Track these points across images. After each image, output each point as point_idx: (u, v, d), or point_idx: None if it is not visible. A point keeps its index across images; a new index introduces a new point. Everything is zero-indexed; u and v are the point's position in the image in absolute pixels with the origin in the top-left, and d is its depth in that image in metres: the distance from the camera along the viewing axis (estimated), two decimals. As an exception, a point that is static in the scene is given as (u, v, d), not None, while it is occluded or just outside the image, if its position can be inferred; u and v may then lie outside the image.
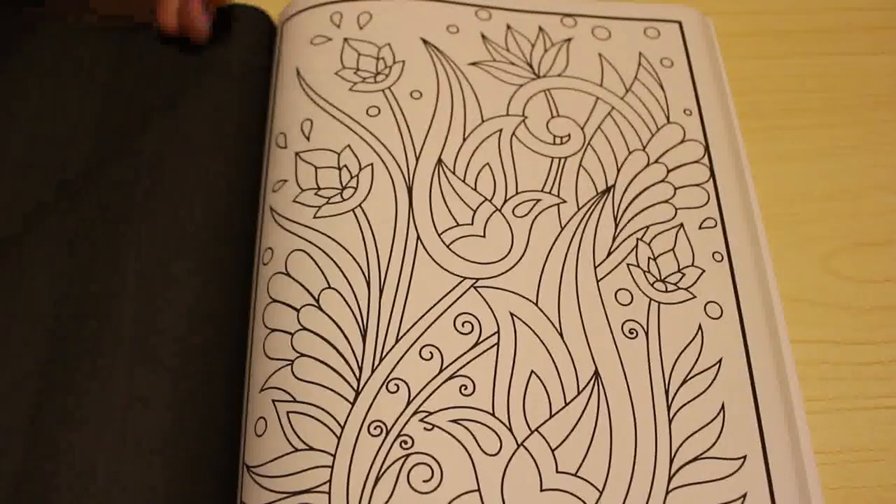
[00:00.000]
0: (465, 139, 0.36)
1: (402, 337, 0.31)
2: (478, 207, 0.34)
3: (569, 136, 0.36)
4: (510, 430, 0.30)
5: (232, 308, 0.33)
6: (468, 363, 0.31)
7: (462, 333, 0.32)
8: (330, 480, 0.29)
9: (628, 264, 0.33)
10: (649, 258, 0.33)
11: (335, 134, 0.36)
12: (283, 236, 0.33)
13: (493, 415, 0.30)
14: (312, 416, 0.30)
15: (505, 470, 0.29)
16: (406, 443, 0.30)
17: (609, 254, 0.33)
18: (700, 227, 0.34)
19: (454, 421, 0.30)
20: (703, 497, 0.29)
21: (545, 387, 0.31)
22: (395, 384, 0.30)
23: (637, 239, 0.34)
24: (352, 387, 0.30)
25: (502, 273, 0.33)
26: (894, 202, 0.38)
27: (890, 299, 0.35)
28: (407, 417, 0.30)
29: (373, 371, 0.31)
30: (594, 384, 0.31)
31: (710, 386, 0.31)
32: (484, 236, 0.34)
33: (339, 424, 0.30)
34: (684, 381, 0.31)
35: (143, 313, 0.31)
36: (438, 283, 0.33)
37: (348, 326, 0.31)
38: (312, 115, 0.36)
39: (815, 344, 0.34)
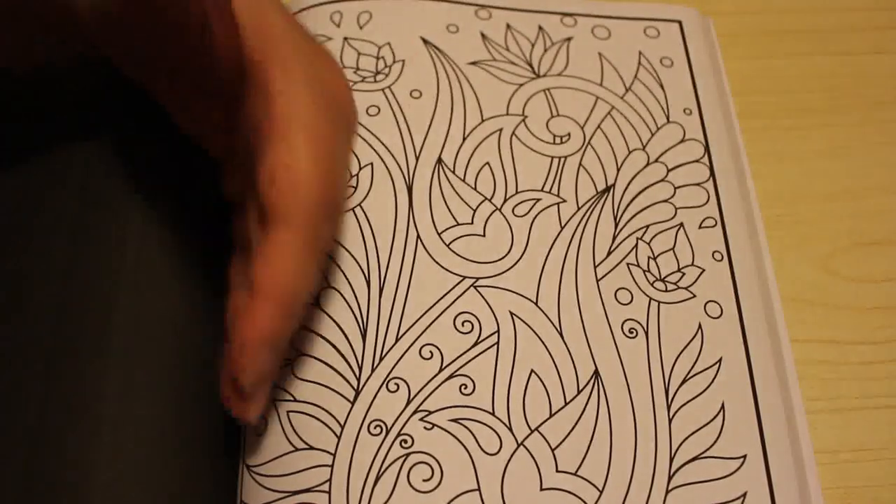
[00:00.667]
0: (464, 138, 0.36)
1: (401, 336, 0.31)
2: (478, 207, 0.34)
3: (569, 135, 0.36)
4: (510, 429, 0.30)
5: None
6: (468, 362, 0.31)
7: (462, 333, 0.32)
8: (330, 479, 0.29)
9: (628, 263, 0.33)
10: (649, 257, 0.33)
11: None
12: None
13: (492, 414, 0.30)
14: (312, 416, 0.30)
15: (505, 469, 0.29)
16: (406, 442, 0.30)
17: (609, 253, 0.33)
18: (700, 227, 0.34)
19: (454, 420, 0.30)
20: (702, 496, 0.29)
21: (545, 386, 0.31)
22: (395, 383, 0.30)
23: (637, 238, 0.34)
24: (352, 386, 0.30)
25: (502, 272, 0.33)
26: (894, 202, 0.38)
27: (890, 299, 0.35)
28: (407, 417, 0.30)
29: (373, 370, 0.31)
30: (594, 383, 0.31)
31: (709, 385, 0.31)
32: (484, 235, 0.34)
33: (339, 424, 0.30)
34: (684, 381, 0.31)
35: (141, 311, 0.31)
36: (438, 282, 0.33)
37: (348, 325, 0.31)
38: None
39: (815, 344, 0.34)
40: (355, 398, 0.30)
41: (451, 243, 0.33)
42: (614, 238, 0.34)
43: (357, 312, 0.32)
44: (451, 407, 0.30)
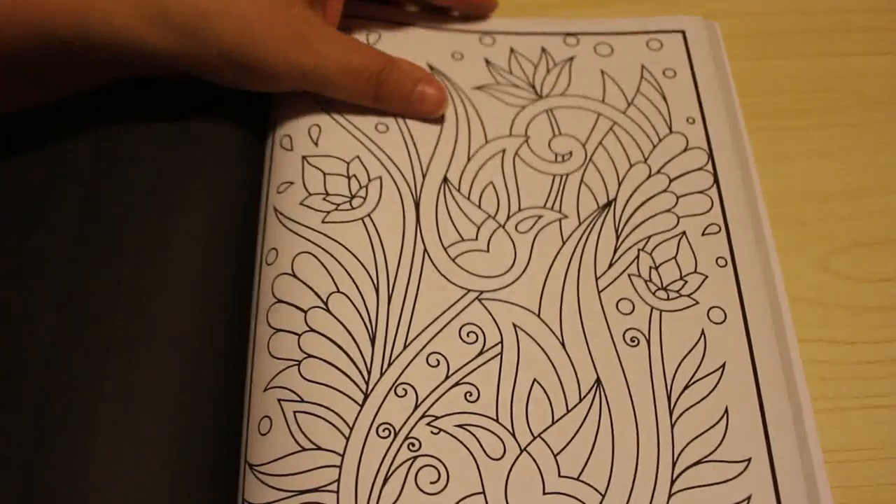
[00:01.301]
0: (469, 159, 0.37)
1: (409, 344, 0.32)
2: (482, 224, 0.35)
3: (570, 153, 0.37)
4: (513, 435, 0.31)
5: (230, 305, 0.33)
6: (473, 371, 0.32)
7: (467, 343, 0.32)
8: (338, 480, 0.29)
9: (629, 274, 0.34)
10: (651, 267, 0.34)
11: (345, 143, 0.36)
12: (289, 238, 0.34)
13: (496, 421, 0.31)
14: (321, 417, 0.30)
15: (509, 473, 0.30)
16: (414, 445, 0.30)
17: (610, 265, 0.34)
18: (703, 234, 0.35)
19: (460, 426, 0.31)
20: (706, 499, 0.29)
21: (547, 394, 0.31)
22: (403, 389, 0.31)
23: (638, 249, 0.34)
24: (361, 389, 0.31)
25: (506, 286, 0.34)
26: (894, 202, 0.38)
27: (890, 299, 0.36)
28: (415, 421, 0.31)
29: (381, 375, 0.31)
30: (596, 391, 0.32)
31: (713, 390, 0.31)
32: (488, 251, 0.35)
33: (348, 425, 0.30)
34: (687, 386, 0.31)
35: (140, 310, 0.32)
36: (444, 294, 0.33)
37: (357, 331, 0.32)
38: (320, 122, 0.37)
39: (815, 344, 0.34)
40: (364, 401, 0.31)
41: (456, 258, 0.34)
42: (616, 250, 0.35)
43: (366, 318, 0.32)
44: (456, 413, 0.31)
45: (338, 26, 0.38)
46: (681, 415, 0.31)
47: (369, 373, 0.31)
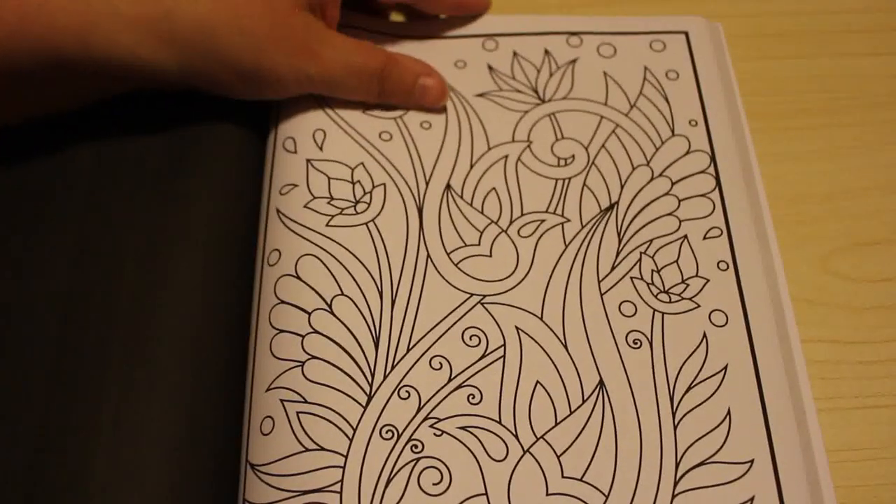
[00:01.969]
0: (472, 166, 0.37)
1: (412, 347, 0.32)
2: (484, 229, 0.36)
3: (573, 157, 0.37)
4: (516, 437, 0.31)
5: (231, 305, 0.34)
6: (476, 374, 0.32)
7: (470, 346, 0.33)
8: (341, 480, 0.29)
9: (632, 277, 0.34)
10: (653, 270, 0.34)
11: (349, 149, 0.37)
12: (292, 240, 0.34)
13: (499, 423, 0.31)
14: (324, 418, 0.31)
15: (511, 475, 0.30)
16: (416, 447, 0.30)
17: (613, 268, 0.34)
18: (704, 238, 0.35)
19: (462, 428, 0.31)
20: (709, 500, 0.29)
21: (550, 396, 0.32)
22: (407, 391, 0.31)
23: (641, 252, 0.35)
24: (364, 391, 0.31)
25: (508, 290, 0.34)
26: (894, 202, 0.38)
27: (890, 299, 0.36)
28: (418, 423, 0.31)
29: (385, 377, 0.32)
30: (599, 393, 0.32)
31: (715, 392, 0.31)
32: (490, 256, 0.35)
33: (352, 427, 0.30)
34: (689, 388, 0.32)
35: (142, 312, 0.32)
36: (447, 298, 0.34)
37: (361, 333, 0.32)
38: (325, 127, 0.37)
39: (814, 344, 0.34)
40: (368, 403, 0.31)
41: (459, 263, 0.35)
42: (618, 253, 0.35)
43: (370, 321, 0.33)
44: (459, 415, 0.31)
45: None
46: (683, 416, 0.31)
47: (373, 375, 0.32)
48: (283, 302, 0.33)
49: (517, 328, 0.33)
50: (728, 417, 0.31)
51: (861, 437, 0.33)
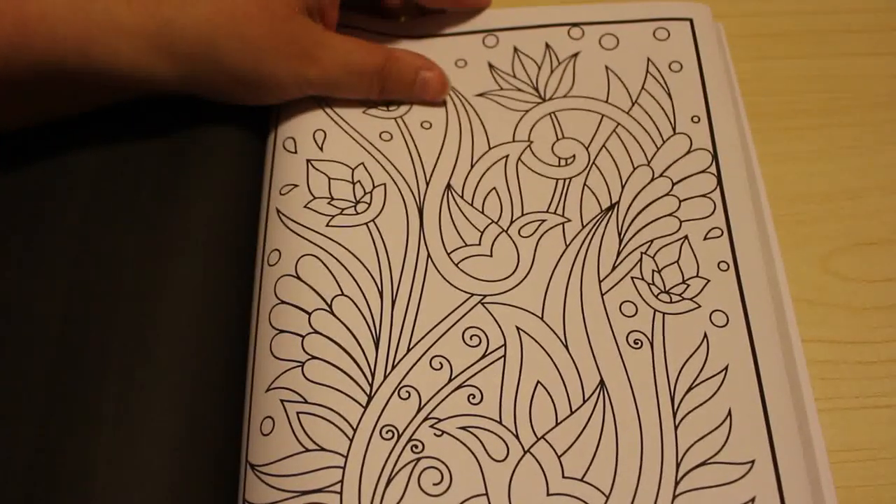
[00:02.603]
0: (472, 166, 0.37)
1: (412, 347, 0.32)
2: (485, 229, 0.36)
3: (573, 156, 0.37)
4: (517, 437, 0.31)
5: (230, 305, 0.34)
6: (476, 374, 0.32)
7: (470, 346, 0.33)
8: (342, 481, 0.29)
9: (632, 277, 0.34)
10: (653, 270, 0.34)
11: (349, 150, 0.37)
12: (292, 240, 0.34)
13: (500, 423, 0.31)
14: (324, 418, 0.30)
15: (512, 475, 0.30)
16: (417, 447, 0.30)
17: (613, 268, 0.34)
18: (705, 238, 0.35)
19: (463, 428, 0.31)
20: (710, 501, 0.29)
21: (551, 396, 0.32)
22: (407, 391, 0.31)
23: (641, 253, 0.35)
24: (364, 391, 0.31)
25: (509, 290, 0.34)
26: (894, 202, 0.38)
27: (890, 299, 0.36)
28: (418, 423, 0.31)
29: (385, 378, 0.32)
30: (599, 393, 0.32)
31: (716, 392, 0.31)
32: (491, 256, 0.35)
33: (352, 427, 0.30)
34: (690, 389, 0.31)
35: (143, 312, 0.32)
36: (447, 298, 0.34)
37: (361, 334, 0.32)
38: (325, 127, 0.37)
39: (814, 344, 0.34)
40: (368, 403, 0.31)
41: (459, 263, 0.35)
42: (619, 253, 0.35)
43: (370, 322, 0.33)
44: (460, 415, 0.31)
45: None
46: (684, 416, 0.31)
47: (373, 375, 0.32)
48: (283, 302, 0.33)
49: (518, 328, 0.33)
50: (729, 418, 0.31)
51: (861, 437, 0.33)
